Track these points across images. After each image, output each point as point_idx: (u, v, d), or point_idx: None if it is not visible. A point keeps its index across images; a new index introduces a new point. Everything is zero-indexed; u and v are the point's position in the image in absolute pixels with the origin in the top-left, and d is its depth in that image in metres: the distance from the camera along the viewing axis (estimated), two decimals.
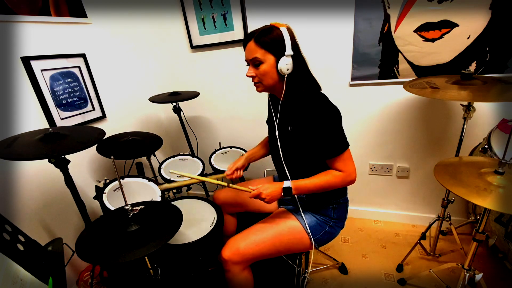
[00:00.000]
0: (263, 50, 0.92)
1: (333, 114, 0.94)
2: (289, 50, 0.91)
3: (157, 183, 1.34)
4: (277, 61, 0.93)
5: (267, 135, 1.27)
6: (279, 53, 0.92)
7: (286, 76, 0.94)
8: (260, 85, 1.00)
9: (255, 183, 1.35)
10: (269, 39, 0.91)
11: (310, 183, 0.98)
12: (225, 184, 1.08)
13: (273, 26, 0.93)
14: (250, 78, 1.00)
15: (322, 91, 1.02)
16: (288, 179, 1.05)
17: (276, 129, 1.10)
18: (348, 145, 0.96)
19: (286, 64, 0.92)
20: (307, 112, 0.96)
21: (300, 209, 1.09)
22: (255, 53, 0.93)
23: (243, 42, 0.98)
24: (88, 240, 0.85)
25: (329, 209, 1.10)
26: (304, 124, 0.97)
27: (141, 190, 1.31)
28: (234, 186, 1.06)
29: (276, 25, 0.93)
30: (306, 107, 0.96)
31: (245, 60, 0.99)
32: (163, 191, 1.31)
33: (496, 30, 1.28)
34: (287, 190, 0.97)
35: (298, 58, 0.95)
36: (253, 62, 0.96)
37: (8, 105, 1.19)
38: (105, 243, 0.82)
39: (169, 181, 1.50)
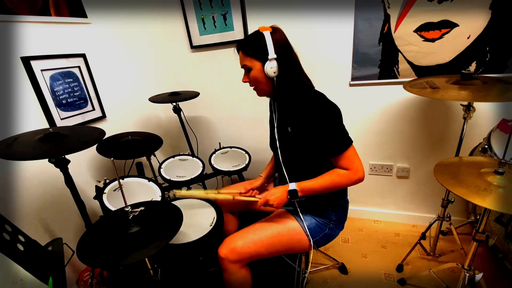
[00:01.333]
0: (249, 57, 0.96)
1: (333, 111, 0.94)
2: (271, 54, 0.92)
3: (157, 183, 1.34)
4: (263, 66, 0.94)
5: (267, 135, 1.27)
6: (264, 58, 0.93)
7: (275, 78, 0.96)
8: (256, 90, 1.04)
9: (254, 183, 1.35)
10: (253, 46, 0.94)
11: (315, 184, 0.97)
12: (231, 197, 1.07)
13: (257, 31, 0.95)
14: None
15: (320, 91, 1.01)
16: (287, 182, 1.04)
17: (276, 129, 1.10)
18: (352, 142, 0.95)
19: (271, 68, 0.93)
20: (306, 111, 0.96)
21: (299, 211, 1.09)
22: (243, 61, 0.98)
23: (236, 50, 1.02)
24: (89, 243, 0.85)
25: (329, 212, 1.09)
26: (303, 124, 0.97)
27: (141, 190, 1.31)
28: (241, 198, 1.07)
29: (261, 30, 0.94)
30: (305, 106, 0.96)
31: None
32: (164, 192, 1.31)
33: (496, 30, 1.28)
34: (293, 192, 0.97)
35: (286, 59, 0.95)
36: (245, 69, 1.00)
37: (8, 105, 1.19)
38: (106, 246, 0.82)
39: (169, 181, 1.50)
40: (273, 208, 0.99)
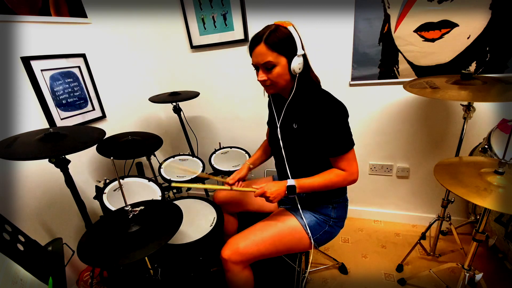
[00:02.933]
0: (275, 53, 0.89)
1: (341, 111, 0.94)
2: (300, 50, 0.90)
3: (157, 183, 1.34)
4: (289, 62, 0.91)
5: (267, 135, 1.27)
6: (290, 54, 0.90)
7: (297, 75, 0.94)
8: (272, 87, 0.97)
9: (255, 183, 1.35)
10: (279, 41, 0.88)
11: (313, 182, 0.98)
12: (228, 188, 1.08)
13: (279, 26, 0.91)
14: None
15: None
16: (289, 178, 1.04)
17: (278, 129, 1.09)
18: (354, 144, 0.96)
19: (298, 63, 0.91)
20: (313, 108, 0.95)
21: (300, 209, 1.09)
22: (267, 57, 0.90)
23: (250, 46, 0.94)
24: (89, 242, 0.85)
25: (329, 209, 1.10)
26: (310, 121, 0.96)
27: (141, 190, 1.31)
28: (238, 188, 1.07)
29: (282, 24, 0.91)
30: (312, 104, 0.96)
31: (253, 64, 0.95)
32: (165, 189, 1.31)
33: (496, 30, 1.28)
34: (291, 188, 0.97)
35: (305, 56, 0.95)
36: (265, 66, 0.92)
37: (8, 105, 1.19)
38: (106, 245, 0.82)
39: (169, 181, 1.50)
40: (269, 201, 0.98)
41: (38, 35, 1.30)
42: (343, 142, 0.94)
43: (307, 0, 1.52)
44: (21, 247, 0.74)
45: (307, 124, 0.98)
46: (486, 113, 1.45)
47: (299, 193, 1.00)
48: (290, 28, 0.90)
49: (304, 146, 1.01)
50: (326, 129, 0.94)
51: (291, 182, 0.98)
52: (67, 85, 1.43)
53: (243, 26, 1.69)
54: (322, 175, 0.99)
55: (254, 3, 1.63)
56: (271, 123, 1.19)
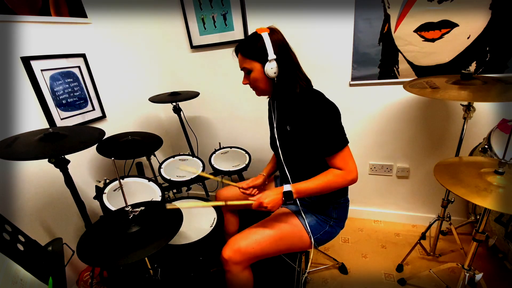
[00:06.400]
0: (248, 60, 0.97)
1: (331, 110, 0.95)
2: (271, 55, 0.92)
3: (157, 183, 1.34)
4: (263, 67, 0.95)
5: (267, 135, 1.27)
6: (264, 59, 0.94)
7: (275, 78, 0.96)
8: (255, 90, 1.05)
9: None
10: (252, 48, 0.95)
11: (311, 185, 0.97)
12: (223, 203, 1.04)
13: (255, 33, 0.95)
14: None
15: (321, 90, 1.02)
16: (289, 181, 1.04)
17: (275, 129, 1.10)
18: (348, 142, 0.96)
19: (271, 68, 0.94)
20: (304, 109, 0.96)
21: (301, 208, 1.09)
22: (242, 63, 0.99)
23: (235, 53, 1.02)
24: (89, 242, 0.85)
25: (330, 209, 1.10)
26: (302, 122, 0.97)
27: (141, 190, 1.31)
28: (233, 203, 1.05)
29: (258, 32, 0.95)
30: (303, 105, 0.97)
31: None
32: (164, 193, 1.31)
33: (496, 30, 1.28)
34: (287, 194, 0.96)
35: (285, 59, 0.96)
36: (245, 72, 1.01)
37: (8, 105, 1.19)
38: (106, 245, 0.82)
39: (169, 181, 1.50)
40: (267, 210, 0.98)
41: (38, 35, 1.30)
42: (336, 140, 0.94)
43: (307, 0, 1.52)
44: (21, 247, 0.74)
45: (299, 126, 0.99)
46: (486, 113, 1.45)
47: (299, 197, 0.99)
48: (263, 34, 0.93)
49: (298, 148, 1.02)
50: (317, 128, 0.94)
51: (287, 187, 0.97)
52: (67, 85, 1.43)
53: (243, 26, 1.69)
54: (319, 177, 0.97)
55: (254, 3, 1.63)
56: (270, 124, 1.21)
